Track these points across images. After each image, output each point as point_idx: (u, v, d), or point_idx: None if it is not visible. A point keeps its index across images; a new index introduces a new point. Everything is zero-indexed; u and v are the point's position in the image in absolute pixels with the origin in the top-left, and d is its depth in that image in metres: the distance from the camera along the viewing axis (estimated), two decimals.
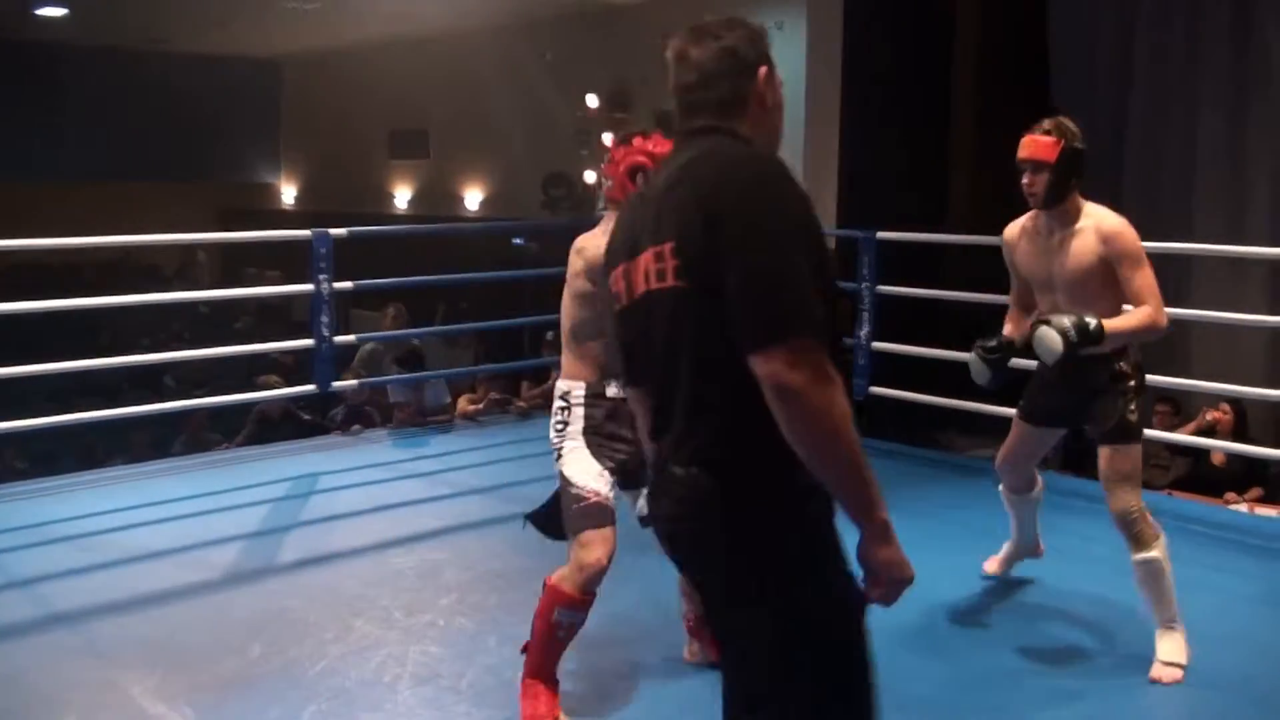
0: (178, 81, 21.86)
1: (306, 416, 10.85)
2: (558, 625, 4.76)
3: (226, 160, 24.83)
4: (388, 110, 21.76)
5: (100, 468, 9.41)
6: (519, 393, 10.93)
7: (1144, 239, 5.28)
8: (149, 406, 9.02)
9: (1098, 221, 5.26)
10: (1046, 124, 5.34)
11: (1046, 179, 5.25)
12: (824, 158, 13.06)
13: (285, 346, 10.91)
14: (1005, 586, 6.36)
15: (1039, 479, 6.15)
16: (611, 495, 4.81)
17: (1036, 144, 5.28)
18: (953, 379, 8.85)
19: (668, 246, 2.80)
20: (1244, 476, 9.36)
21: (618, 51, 17.14)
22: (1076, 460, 10.15)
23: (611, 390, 4.86)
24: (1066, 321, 5.07)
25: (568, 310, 4.91)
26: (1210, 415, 9.57)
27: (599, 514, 4.76)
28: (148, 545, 6.82)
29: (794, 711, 2.78)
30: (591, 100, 16.97)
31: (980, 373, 5.51)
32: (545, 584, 4.78)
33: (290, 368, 13.62)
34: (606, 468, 4.84)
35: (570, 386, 4.91)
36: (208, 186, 25.51)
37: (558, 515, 4.89)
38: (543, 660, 4.81)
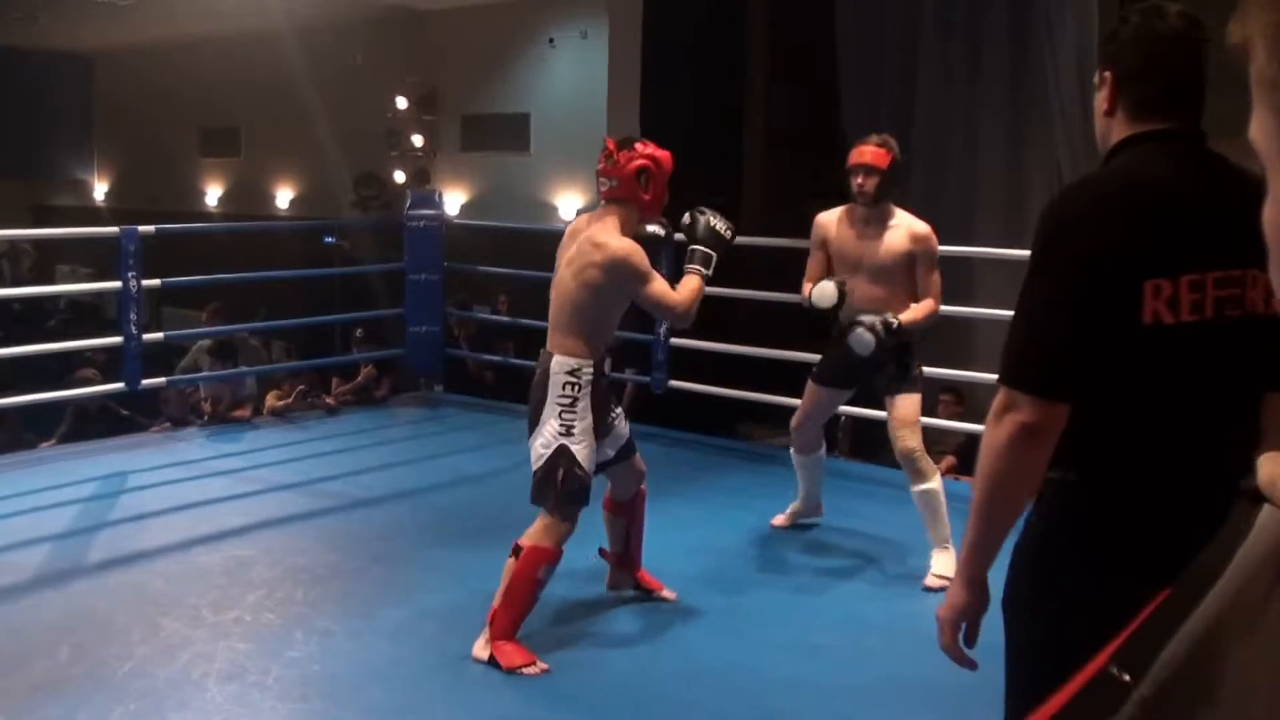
0: None
1: (125, 412, 10.77)
2: (540, 582, 5.32)
3: (38, 156, 24.36)
4: (199, 108, 21.54)
5: None
6: (330, 389, 10.98)
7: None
8: None
9: (910, 224, 6.41)
10: (876, 139, 6.43)
11: (877, 181, 6.36)
12: None
13: (94, 344, 10.84)
14: (792, 538, 7.07)
15: (823, 443, 7.08)
16: None
17: (872, 152, 6.39)
18: (747, 372, 9.25)
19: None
20: None
21: (426, 55, 17.25)
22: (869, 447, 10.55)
23: (606, 367, 5.61)
24: (877, 323, 6.13)
25: (578, 296, 5.32)
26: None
27: (588, 493, 5.37)
28: None
29: None
30: (401, 102, 17.06)
31: (867, 345, 6.22)
32: (521, 547, 5.28)
33: (103, 365, 13.50)
34: (604, 434, 5.53)
35: (579, 364, 5.33)
36: (18, 183, 25.02)
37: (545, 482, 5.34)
38: (516, 618, 5.30)
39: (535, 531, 5.32)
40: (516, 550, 5.30)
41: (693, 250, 5.58)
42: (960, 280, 10.77)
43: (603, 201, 5.48)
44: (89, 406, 10.53)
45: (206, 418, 9.97)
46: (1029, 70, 11.11)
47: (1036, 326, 2.63)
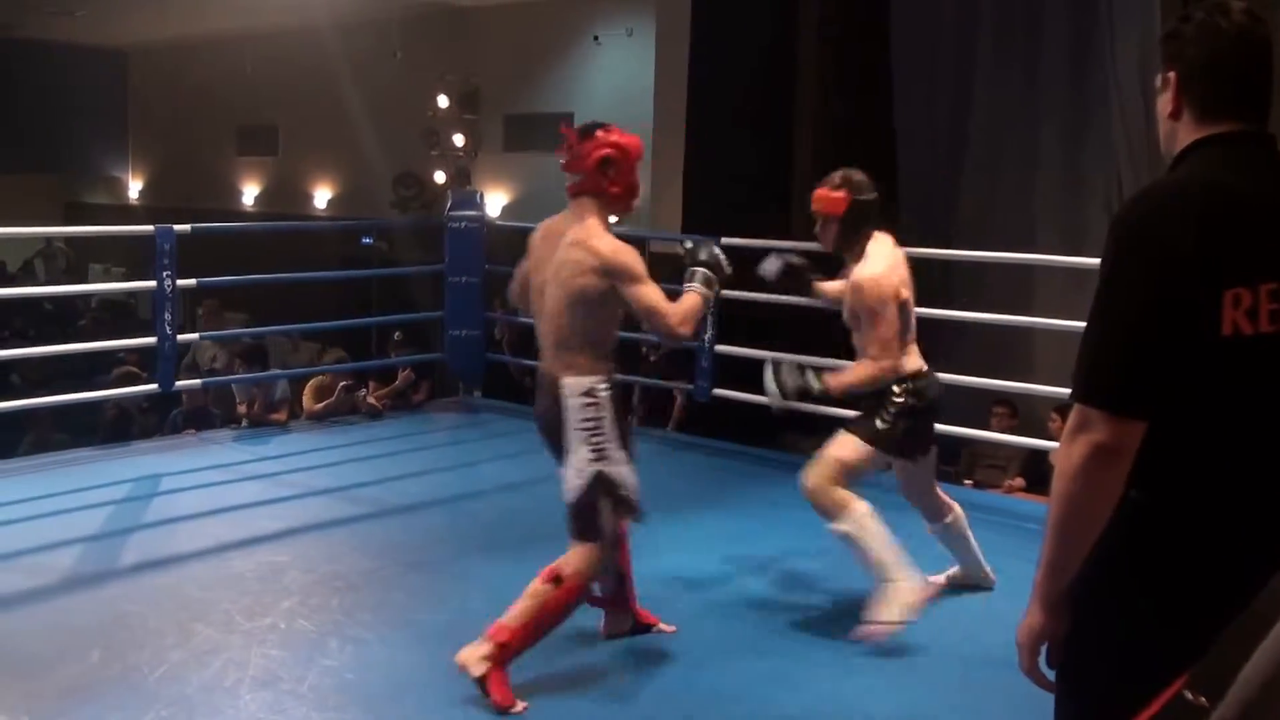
0: (21, 71, 21.50)
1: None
2: (569, 614, 5.12)
3: (72, 153, 24.40)
4: (236, 105, 21.56)
5: None
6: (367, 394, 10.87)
7: (982, 248, 5.67)
8: None
9: (857, 269, 5.70)
10: (837, 178, 5.81)
11: (835, 229, 5.76)
12: (670, 163, 13.15)
13: (128, 344, 10.80)
14: (835, 580, 6.50)
15: (944, 509, 6.31)
16: None
17: (827, 199, 5.79)
18: None
19: None
20: None
21: (468, 53, 17.17)
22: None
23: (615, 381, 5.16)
24: (789, 383, 5.75)
25: (575, 308, 4.99)
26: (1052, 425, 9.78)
27: (638, 512, 5.16)
28: None
29: None
30: (442, 100, 16.98)
31: (771, 394, 5.85)
32: (562, 577, 5.00)
33: (136, 365, 13.46)
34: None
35: (593, 384, 4.99)
36: (53, 180, 25.06)
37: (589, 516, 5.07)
38: (526, 647, 5.02)
39: (576, 561, 5.07)
40: (556, 578, 5.02)
41: (693, 270, 5.22)
42: (1017, 288, 10.64)
43: (569, 198, 5.14)
44: (129, 406, 10.47)
45: (244, 422, 9.86)
46: (1089, 71, 10.91)
47: (1110, 340, 2.53)
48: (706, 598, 6.22)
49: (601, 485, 4.98)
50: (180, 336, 9.05)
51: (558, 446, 5.08)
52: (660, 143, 13.24)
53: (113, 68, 24.36)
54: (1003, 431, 9.45)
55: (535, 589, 5.01)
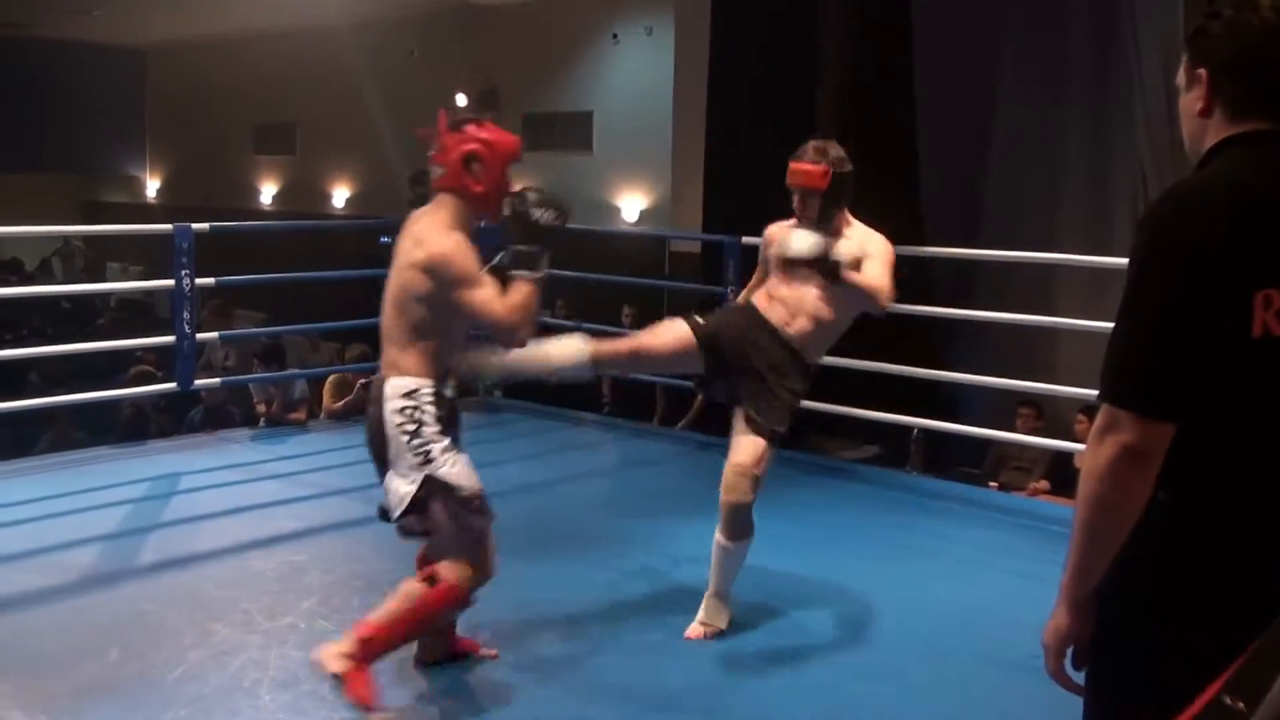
0: (40, 69, 21.53)
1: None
2: (441, 619, 4.90)
3: (90, 152, 24.44)
4: (254, 104, 21.58)
5: None
6: None
7: (1007, 248, 5.54)
8: (3, 405, 8.87)
9: (862, 236, 5.66)
10: (813, 152, 5.65)
11: (818, 204, 5.60)
12: (690, 162, 13.10)
13: (147, 343, 10.77)
14: (863, 584, 6.44)
15: None
16: None
17: (807, 174, 5.61)
18: (820, 383, 8.96)
19: None
20: None
21: (486, 51, 17.16)
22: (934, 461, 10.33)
23: (448, 391, 4.78)
24: (816, 242, 5.51)
25: (406, 305, 4.68)
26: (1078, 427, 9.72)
27: (488, 512, 4.79)
28: (2, 549, 6.64)
29: None
30: (460, 99, 16.95)
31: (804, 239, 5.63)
32: (437, 577, 4.72)
33: (154, 365, 13.45)
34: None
35: (417, 385, 4.67)
36: (70, 178, 25.10)
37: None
38: (392, 648, 4.79)
39: (455, 568, 4.77)
40: (431, 579, 4.74)
41: (511, 251, 4.76)
42: (1040, 289, 10.58)
43: (433, 192, 4.83)
44: (145, 405, 10.45)
45: (262, 421, 9.84)
46: (1112, 69, 10.86)
47: (1137, 340, 2.49)
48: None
49: (434, 489, 4.65)
50: (199, 335, 9.02)
51: (382, 458, 4.77)
52: (680, 142, 13.21)
53: (131, 66, 24.40)
54: (1028, 433, 9.41)
55: (408, 588, 4.78)
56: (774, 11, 12.56)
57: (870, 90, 12.12)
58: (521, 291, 4.65)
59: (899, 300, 5.86)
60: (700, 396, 10.73)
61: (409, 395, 4.65)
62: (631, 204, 15.39)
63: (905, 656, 5.55)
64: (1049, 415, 9.91)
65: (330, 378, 10.60)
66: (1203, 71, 2.62)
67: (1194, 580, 2.53)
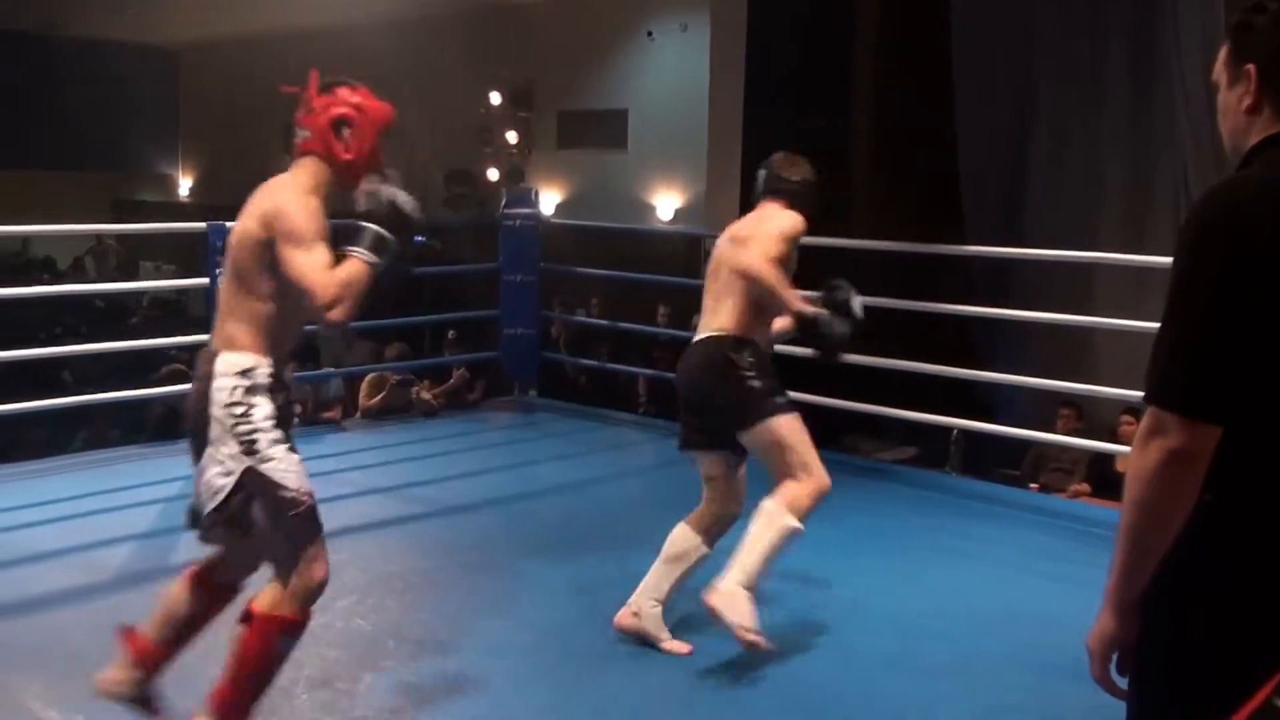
0: (72, 68, 21.57)
1: None
2: (279, 657, 4.26)
3: (123, 150, 24.50)
4: (286, 102, 21.57)
5: None
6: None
7: (1049, 247, 5.44)
8: (38, 403, 8.87)
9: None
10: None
11: None
12: (726, 160, 13.05)
13: (182, 341, 10.75)
14: (902, 586, 6.41)
15: None
16: None
17: None
18: (857, 383, 8.89)
19: None
20: None
21: (521, 49, 17.12)
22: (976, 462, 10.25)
23: (287, 375, 4.34)
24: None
25: (241, 264, 4.16)
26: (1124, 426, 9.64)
27: (316, 520, 4.22)
28: (37, 546, 6.67)
29: None
30: (495, 97, 16.94)
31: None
32: (252, 614, 4.19)
33: (187, 364, 13.43)
34: None
35: (255, 363, 4.12)
36: (102, 177, 25.14)
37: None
38: (247, 702, 4.25)
39: (270, 593, 4.20)
40: (247, 617, 4.21)
41: (361, 228, 4.21)
42: (1079, 287, 10.50)
43: (293, 157, 4.37)
44: (177, 404, 10.43)
45: (296, 421, 9.77)
46: (1153, 68, 10.80)
47: (1183, 341, 2.43)
48: (760, 606, 6.09)
49: (253, 485, 4.09)
50: None
51: (200, 442, 4.17)
52: (715, 139, 13.16)
53: (164, 65, 24.44)
54: (1068, 434, 9.33)
55: (233, 643, 4.25)
56: (810, 10, 12.53)
57: (908, 89, 12.09)
58: (349, 269, 4.07)
59: (935, 299, 5.83)
60: None
61: (243, 374, 4.09)
62: (667, 202, 15.35)
63: (940, 657, 5.53)
64: (1089, 416, 9.85)
65: (367, 376, 10.59)
66: (1251, 67, 2.56)
67: (1239, 582, 2.48)
